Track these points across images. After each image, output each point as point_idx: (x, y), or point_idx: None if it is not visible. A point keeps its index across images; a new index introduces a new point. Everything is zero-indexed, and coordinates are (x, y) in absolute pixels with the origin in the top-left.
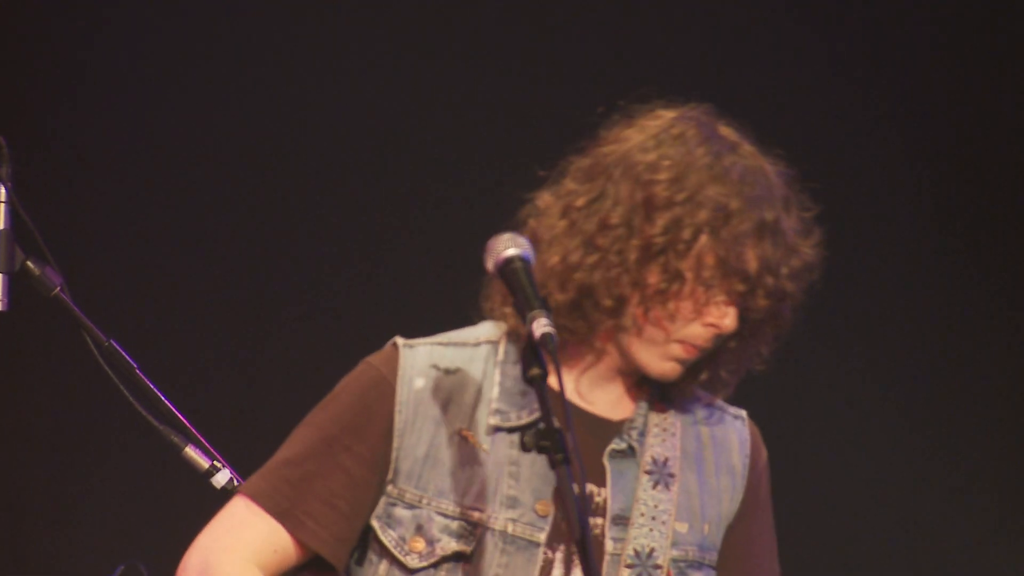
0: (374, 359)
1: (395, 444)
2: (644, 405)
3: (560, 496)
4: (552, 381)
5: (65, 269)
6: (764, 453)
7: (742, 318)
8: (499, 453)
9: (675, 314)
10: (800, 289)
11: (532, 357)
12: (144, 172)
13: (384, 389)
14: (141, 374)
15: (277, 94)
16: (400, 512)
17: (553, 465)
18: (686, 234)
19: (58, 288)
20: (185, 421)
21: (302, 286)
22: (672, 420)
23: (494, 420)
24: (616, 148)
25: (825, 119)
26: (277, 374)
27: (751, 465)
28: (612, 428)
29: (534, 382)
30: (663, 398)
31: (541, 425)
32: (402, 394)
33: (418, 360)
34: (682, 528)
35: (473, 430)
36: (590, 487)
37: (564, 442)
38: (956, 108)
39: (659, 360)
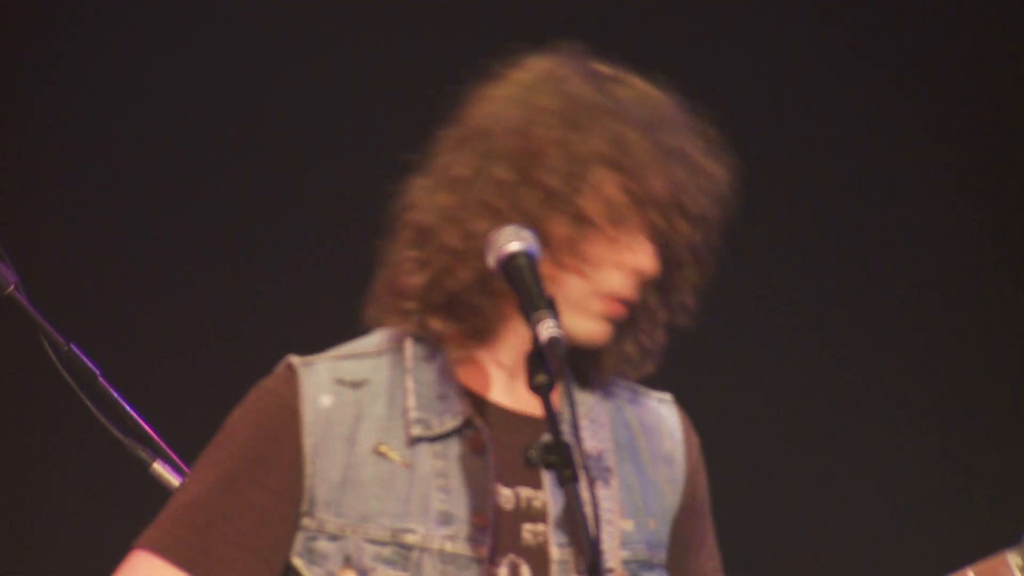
0: (270, 383)
1: (307, 471)
2: (573, 390)
3: (569, 516)
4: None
5: (21, 267)
6: (697, 439)
7: (663, 263)
8: (424, 466)
9: (590, 262)
10: (718, 218)
11: (537, 363)
12: (107, 166)
13: (287, 413)
14: (104, 381)
15: (238, 92)
16: (323, 545)
17: (562, 482)
18: (584, 172)
19: (12, 287)
20: (152, 433)
21: (278, 287)
22: (597, 409)
23: (416, 430)
24: (490, 107)
25: (823, 118)
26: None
27: (687, 452)
28: (537, 424)
29: (540, 390)
30: (584, 383)
31: (546, 438)
32: (308, 416)
33: (320, 377)
34: (628, 526)
35: (391, 444)
36: (525, 491)
37: (573, 457)
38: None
39: (583, 320)
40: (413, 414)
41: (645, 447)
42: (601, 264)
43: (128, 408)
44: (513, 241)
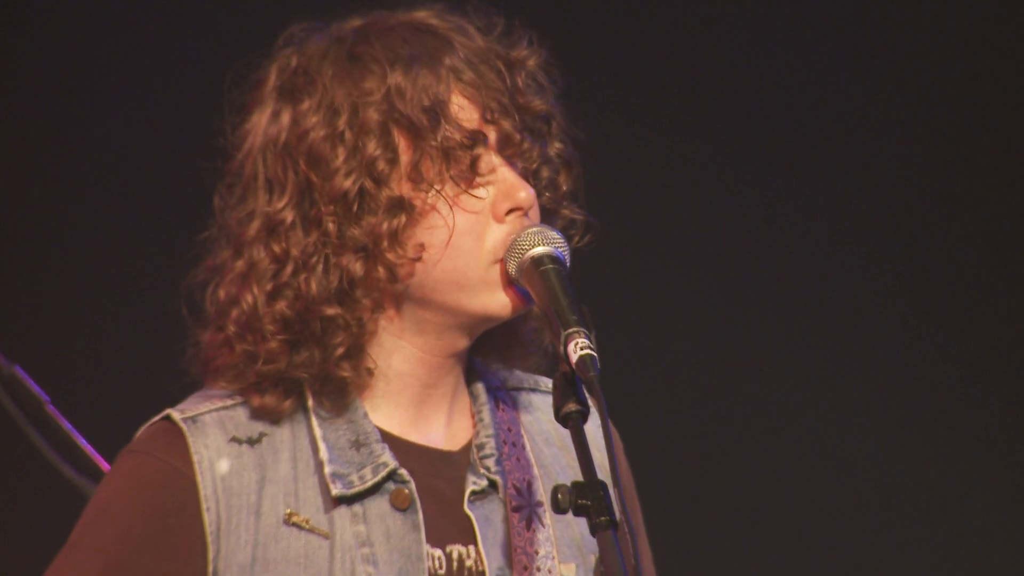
0: (149, 446)
1: (210, 554)
2: (485, 412)
3: (606, 568)
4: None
5: None
6: (614, 433)
7: (537, 191)
8: (344, 534)
9: (461, 234)
10: (556, 108)
11: (567, 389)
12: (55, 173)
13: (180, 484)
14: (52, 409)
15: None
16: None
17: (594, 530)
18: (372, 150)
19: None
20: (108, 469)
21: None
22: (514, 427)
23: (336, 490)
24: (248, 143)
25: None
26: None
27: (614, 456)
28: (459, 462)
29: (570, 421)
30: (491, 394)
31: (573, 479)
32: (206, 486)
33: (210, 436)
34: (569, 571)
35: (304, 511)
36: (456, 550)
37: (609, 499)
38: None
39: (489, 294)
40: (328, 469)
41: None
42: (474, 228)
43: (79, 440)
44: (539, 243)
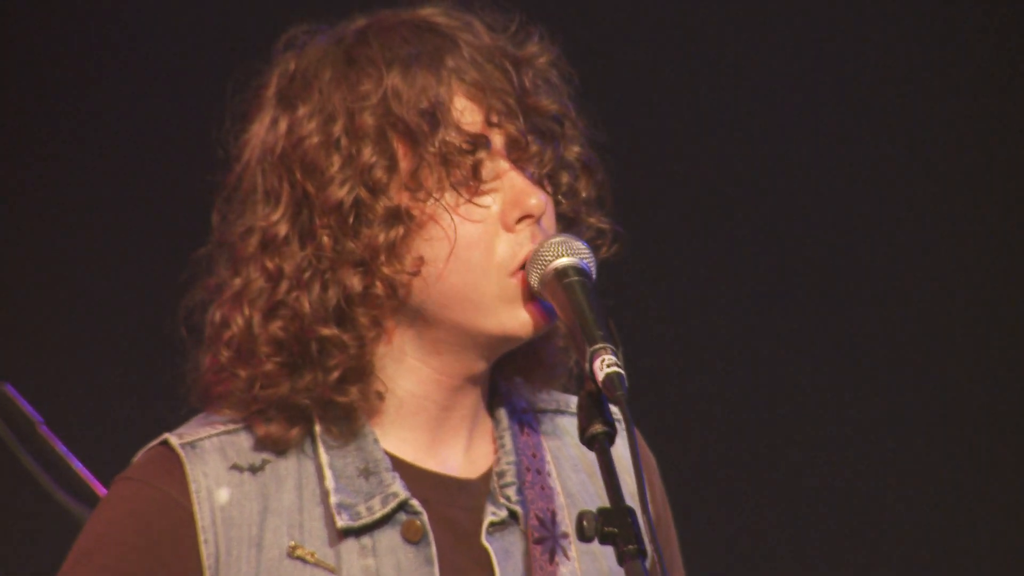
0: (145, 473)
1: None
2: (507, 438)
3: None
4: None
5: None
6: (651, 457)
7: (554, 199)
8: (351, 568)
9: (468, 246)
10: (570, 106)
11: (593, 409)
12: (49, 189)
13: (176, 515)
14: (45, 431)
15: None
16: None
17: (622, 559)
18: (369, 158)
19: None
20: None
21: None
22: (539, 452)
23: (341, 521)
24: (247, 151)
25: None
26: None
27: (643, 481)
28: (478, 490)
29: (596, 442)
30: (510, 410)
31: (600, 506)
32: (203, 517)
33: (210, 464)
34: None
35: (309, 543)
36: None
37: (639, 527)
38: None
39: (509, 311)
40: (335, 499)
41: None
42: (481, 240)
43: (75, 464)
44: (563, 255)
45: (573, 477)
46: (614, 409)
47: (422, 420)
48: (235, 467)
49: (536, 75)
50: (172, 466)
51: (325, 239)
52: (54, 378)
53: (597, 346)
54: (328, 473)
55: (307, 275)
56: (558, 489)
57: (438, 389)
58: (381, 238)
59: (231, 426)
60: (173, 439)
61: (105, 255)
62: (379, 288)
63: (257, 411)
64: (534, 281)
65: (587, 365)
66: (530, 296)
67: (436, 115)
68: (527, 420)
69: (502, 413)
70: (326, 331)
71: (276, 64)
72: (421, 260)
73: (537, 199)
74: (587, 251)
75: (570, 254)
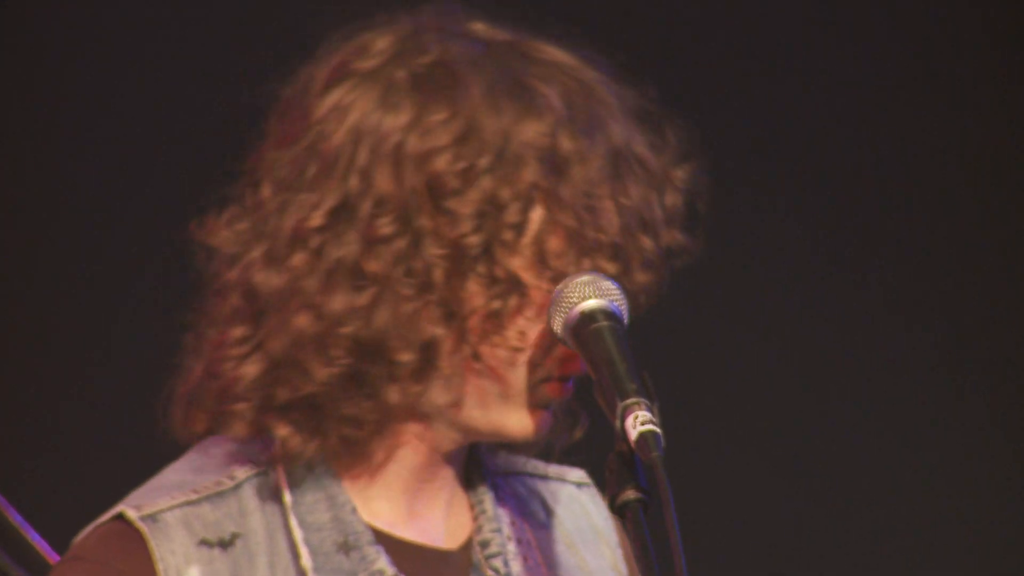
0: (102, 554)
1: None
2: (487, 503)
3: None
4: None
5: None
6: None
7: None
8: None
9: (523, 341)
10: (686, 239)
11: (624, 472)
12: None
13: None
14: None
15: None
16: None
17: None
18: (511, 214)
19: None
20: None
21: None
22: (517, 520)
23: None
24: (337, 118)
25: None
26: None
27: (625, 555)
28: (460, 562)
29: (628, 511)
30: (489, 480)
31: None
32: None
33: (177, 541)
34: None
35: None
36: None
37: None
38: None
39: (518, 413)
40: None
41: (584, 562)
42: (539, 339)
43: (31, 536)
44: (590, 296)
45: (555, 548)
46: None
47: (399, 487)
48: (204, 543)
49: (674, 204)
50: (132, 544)
51: (438, 272)
52: (6, 438)
53: (629, 401)
54: (304, 550)
55: (403, 291)
56: (540, 559)
57: (418, 456)
58: (495, 304)
59: (191, 495)
60: (130, 512)
61: (59, 309)
62: (465, 351)
63: (278, 412)
64: (556, 326)
65: (617, 422)
66: (546, 404)
67: (596, 215)
68: (500, 484)
69: (477, 476)
70: (406, 357)
71: (390, 30)
72: (513, 336)
73: None
74: (618, 292)
75: (598, 295)
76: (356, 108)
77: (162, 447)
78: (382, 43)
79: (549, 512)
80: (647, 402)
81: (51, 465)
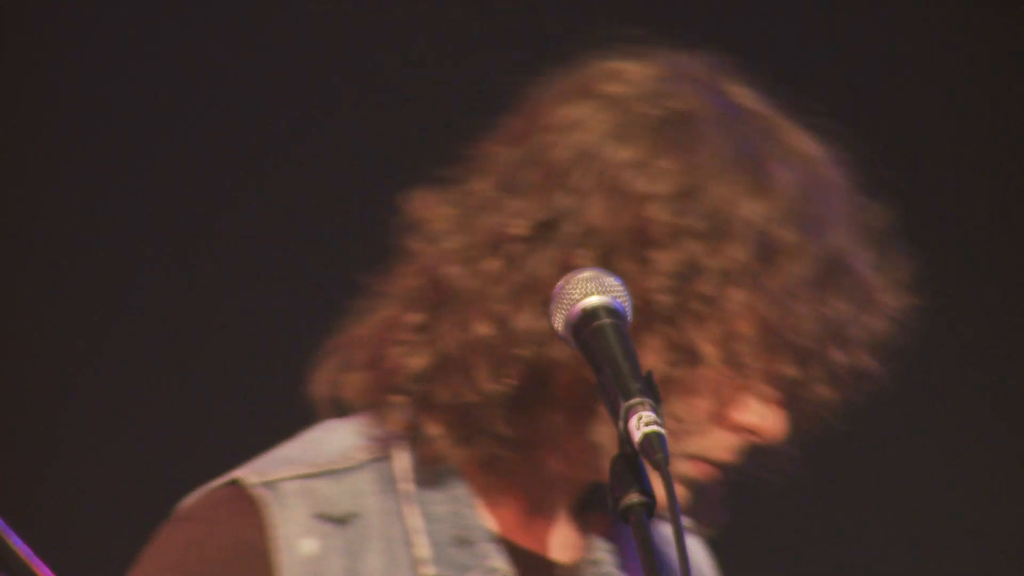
0: (214, 515)
1: None
2: (676, 521)
3: None
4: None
5: None
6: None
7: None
8: None
9: (684, 415)
10: (874, 365)
11: (628, 475)
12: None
13: (254, 564)
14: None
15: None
16: None
17: None
18: (709, 287)
19: None
20: None
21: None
22: (628, 550)
23: None
24: (568, 133)
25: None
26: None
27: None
28: (569, 574)
29: (632, 514)
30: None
31: None
32: (286, 568)
33: (293, 509)
34: None
35: None
36: None
37: None
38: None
39: (654, 481)
40: (429, 570)
41: None
42: (699, 416)
43: (14, 541)
44: (592, 293)
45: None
46: None
47: (524, 497)
48: (321, 516)
49: (877, 328)
50: (247, 508)
51: (660, 296)
52: None
53: (633, 401)
54: (422, 540)
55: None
56: None
57: (547, 478)
58: (665, 369)
59: (310, 468)
60: (252, 477)
61: (55, 321)
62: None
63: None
64: (558, 324)
65: (620, 424)
66: (687, 480)
67: (793, 314)
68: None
69: (596, 501)
70: (571, 395)
71: (636, 67)
72: (684, 411)
73: (779, 436)
74: (621, 288)
75: (601, 291)
76: (589, 128)
77: (149, 452)
78: (636, 74)
79: (659, 550)
80: (651, 402)
81: (32, 471)
